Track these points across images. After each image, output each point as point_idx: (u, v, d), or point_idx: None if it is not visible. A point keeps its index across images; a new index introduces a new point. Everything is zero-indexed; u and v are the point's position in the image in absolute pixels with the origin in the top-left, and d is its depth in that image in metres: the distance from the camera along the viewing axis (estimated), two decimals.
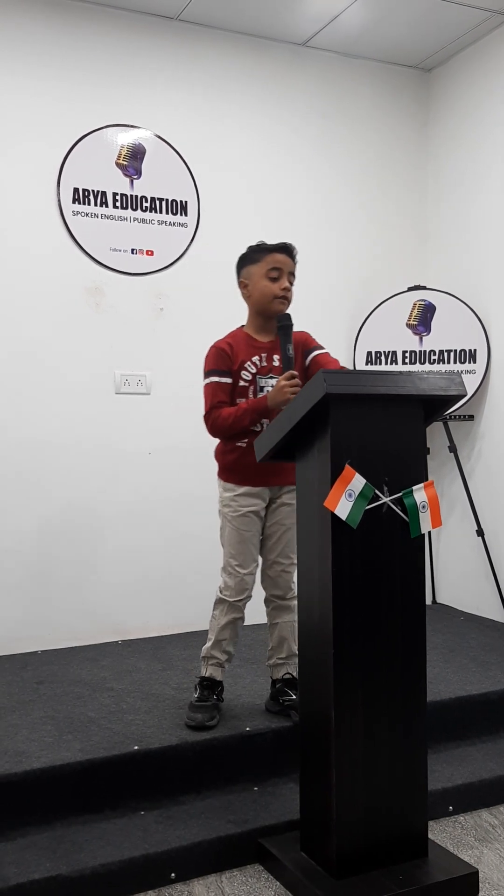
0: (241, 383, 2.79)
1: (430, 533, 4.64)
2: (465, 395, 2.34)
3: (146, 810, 2.54)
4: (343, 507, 2.19)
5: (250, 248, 2.87)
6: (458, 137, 4.53)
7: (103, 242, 3.92)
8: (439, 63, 4.65)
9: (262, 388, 2.78)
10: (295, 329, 2.81)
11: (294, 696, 2.85)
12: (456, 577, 4.58)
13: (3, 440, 3.77)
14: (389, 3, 3.99)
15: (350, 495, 2.20)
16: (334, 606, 2.21)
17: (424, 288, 4.44)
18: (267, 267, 2.81)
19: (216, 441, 2.90)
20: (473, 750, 3.01)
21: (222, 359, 2.80)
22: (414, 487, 2.31)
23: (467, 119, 4.47)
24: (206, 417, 2.80)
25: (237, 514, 2.82)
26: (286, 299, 2.83)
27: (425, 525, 2.33)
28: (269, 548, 2.88)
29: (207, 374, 2.82)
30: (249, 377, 2.80)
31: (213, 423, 2.79)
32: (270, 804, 2.59)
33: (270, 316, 2.83)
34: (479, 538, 4.29)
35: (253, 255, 2.85)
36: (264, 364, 2.81)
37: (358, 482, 2.21)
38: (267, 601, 2.93)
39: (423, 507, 2.33)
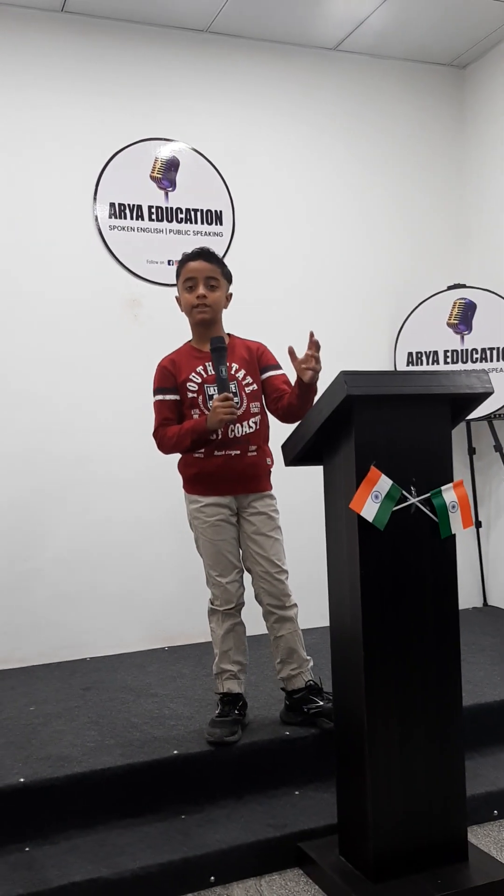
0: (189, 395, 2.79)
1: (478, 535, 4.58)
2: (492, 393, 2.32)
3: (187, 814, 2.56)
4: (369, 509, 2.18)
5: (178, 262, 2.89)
6: (497, 132, 4.47)
7: (140, 255, 3.99)
8: (474, 59, 4.61)
9: (211, 397, 2.76)
10: (252, 339, 2.89)
11: (321, 703, 2.81)
12: None
13: (47, 453, 3.86)
14: (417, 3, 3.97)
15: (377, 497, 2.19)
16: (363, 610, 2.20)
17: (464, 286, 4.40)
18: (184, 278, 2.81)
19: None
20: None
21: (165, 377, 2.82)
22: (443, 487, 2.29)
23: None
24: (154, 435, 2.83)
25: (207, 524, 2.80)
26: (205, 306, 2.79)
27: (455, 526, 2.30)
28: (255, 559, 2.82)
29: (154, 392, 2.85)
30: (196, 388, 2.79)
31: (160, 441, 2.81)
32: (310, 808, 2.59)
33: (201, 326, 2.83)
34: None
35: (177, 270, 2.86)
36: (211, 373, 2.78)
37: (384, 483, 2.20)
38: (266, 614, 2.86)
39: (453, 507, 2.30)
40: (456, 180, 4.68)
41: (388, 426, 2.23)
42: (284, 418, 2.83)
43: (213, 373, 2.76)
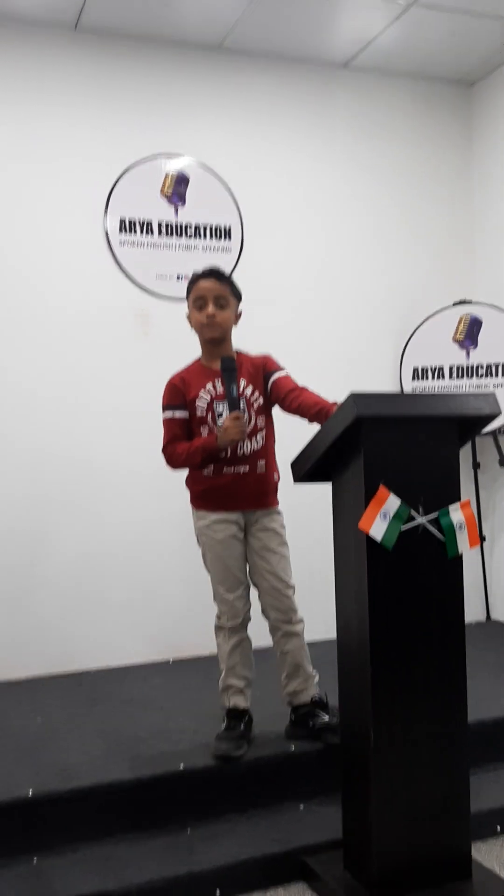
0: (199, 412, 2.82)
1: (482, 549, 4.60)
2: (499, 414, 2.34)
3: (192, 828, 2.58)
4: (378, 529, 2.21)
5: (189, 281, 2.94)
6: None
7: (150, 270, 4.03)
8: (481, 77, 4.65)
9: (220, 414, 2.81)
10: (256, 354, 2.92)
11: (327, 718, 2.84)
12: None
13: (55, 465, 3.89)
14: (427, 22, 4.02)
15: (385, 516, 2.22)
16: (371, 628, 2.23)
17: (470, 302, 4.43)
18: (194, 297, 2.85)
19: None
20: None
21: (174, 394, 2.86)
22: (450, 507, 2.31)
23: None
24: (163, 452, 2.85)
25: (215, 540, 2.83)
26: (213, 325, 2.83)
27: (462, 545, 2.33)
28: (262, 574, 2.85)
29: (163, 409, 2.88)
30: (205, 405, 2.82)
31: (169, 458, 2.85)
32: (315, 823, 2.61)
33: (211, 343, 2.87)
34: None
35: (187, 289, 2.90)
36: (220, 390, 2.81)
37: (392, 503, 2.23)
38: (273, 629, 2.89)
39: (460, 526, 2.33)
40: (463, 197, 4.72)
41: (396, 446, 2.26)
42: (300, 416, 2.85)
43: (223, 390, 2.79)
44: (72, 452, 3.93)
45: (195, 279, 2.86)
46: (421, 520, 2.27)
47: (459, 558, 2.34)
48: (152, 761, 2.73)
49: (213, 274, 2.85)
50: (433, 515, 2.29)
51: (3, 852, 2.43)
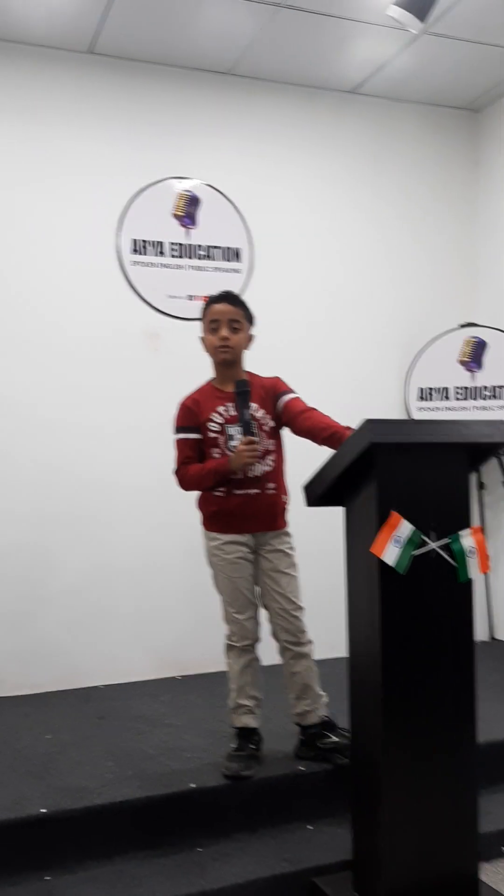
0: (211, 435, 2.86)
1: None
2: None
3: (203, 847, 2.60)
4: (390, 553, 2.24)
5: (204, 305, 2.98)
6: None
7: (161, 290, 4.08)
8: (488, 103, 4.72)
9: (231, 437, 2.84)
10: (266, 376, 2.95)
11: (336, 739, 2.86)
12: None
13: (65, 482, 3.93)
14: (436, 49, 4.09)
15: (397, 541, 2.26)
16: (383, 651, 2.26)
17: (475, 325, 4.48)
18: (208, 320, 2.91)
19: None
20: None
21: (188, 416, 2.90)
22: (461, 533, 2.35)
23: None
24: (176, 473, 2.90)
25: (226, 561, 2.87)
26: (227, 348, 2.88)
27: (473, 570, 2.37)
28: (272, 595, 2.88)
29: (176, 430, 2.92)
30: (217, 428, 2.86)
31: (182, 479, 2.89)
32: (324, 843, 2.63)
33: (224, 366, 2.91)
34: None
35: (202, 312, 2.95)
36: (232, 413, 2.85)
37: (405, 528, 2.26)
38: (282, 651, 2.92)
39: (471, 552, 2.37)
40: (468, 221, 4.78)
41: (409, 472, 2.30)
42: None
43: (235, 413, 2.83)
44: (80, 470, 3.96)
45: (210, 303, 2.92)
46: (433, 545, 2.31)
47: (470, 582, 2.38)
48: (162, 780, 2.75)
49: (228, 298, 2.91)
50: (445, 541, 2.33)
51: (16, 870, 2.45)
